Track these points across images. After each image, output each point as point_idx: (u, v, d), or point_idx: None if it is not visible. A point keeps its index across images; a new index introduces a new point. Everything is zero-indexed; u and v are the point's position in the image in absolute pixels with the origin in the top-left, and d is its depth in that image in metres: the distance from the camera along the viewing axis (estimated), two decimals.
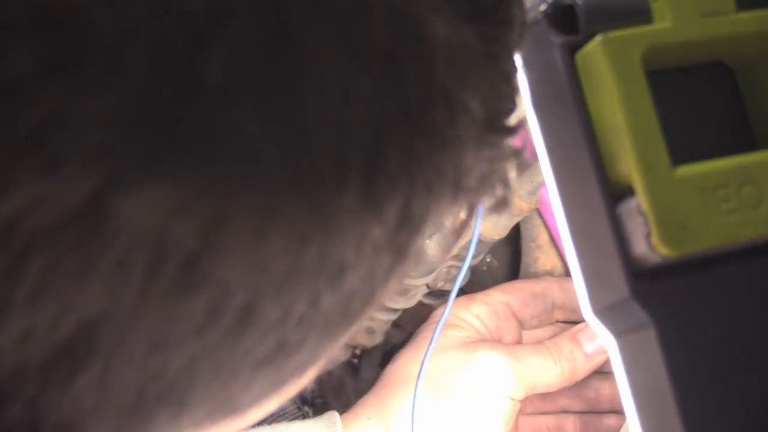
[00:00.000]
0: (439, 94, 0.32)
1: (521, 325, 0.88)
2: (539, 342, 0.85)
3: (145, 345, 0.29)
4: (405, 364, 0.84)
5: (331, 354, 0.35)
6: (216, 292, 0.29)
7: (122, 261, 0.27)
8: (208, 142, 0.27)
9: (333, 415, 0.82)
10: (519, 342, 0.87)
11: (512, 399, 0.81)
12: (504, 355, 0.82)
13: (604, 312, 0.47)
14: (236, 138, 0.28)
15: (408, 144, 0.31)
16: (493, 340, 0.85)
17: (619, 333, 0.47)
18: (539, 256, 0.94)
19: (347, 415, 0.84)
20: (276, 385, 0.34)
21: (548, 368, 0.82)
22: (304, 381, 0.36)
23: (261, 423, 0.82)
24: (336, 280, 0.31)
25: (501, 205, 0.38)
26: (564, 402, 0.86)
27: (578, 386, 0.84)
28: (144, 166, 0.27)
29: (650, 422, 0.47)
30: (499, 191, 0.37)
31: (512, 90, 0.36)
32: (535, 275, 0.94)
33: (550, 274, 0.93)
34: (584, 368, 0.82)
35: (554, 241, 0.93)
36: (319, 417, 0.82)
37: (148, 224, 0.27)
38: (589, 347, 0.82)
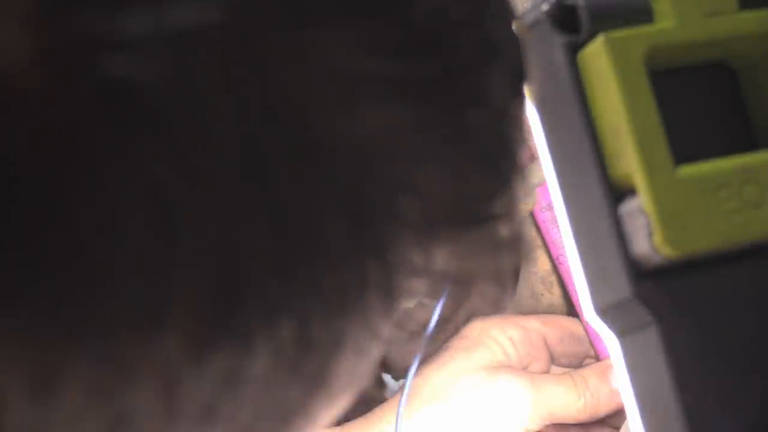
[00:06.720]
0: (330, 201, 0.28)
1: (552, 359, 0.86)
2: (565, 372, 0.83)
3: None
4: (426, 379, 0.83)
5: None
6: None
7: None
8: None
9: None
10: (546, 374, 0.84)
11: (528, 429, 0.80)
12: (525, 383, 0.80)
13: (607, 312, 0.47)
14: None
15: (277, 271, 0.28)
16: (519, 366, 0.83)
17: (621, 333, 0.47)
18: (539, 255, 0.94)
19: (364, 421, 0.83)
20: None
21: (570, 400, 0.79)
22: None
23: None
24: (204, 422, 0.29)
25: (494, 306, 0.35)
26: None
27: (599, 423, 0.82)
28: None
29: (652, 422, 0.47)
30: (489, 290, 0.34)
31: (491, 171, 0.32)
32: (535, 275, 0.94)
33: (549, 274, 0.93)
34: (608, 405, 0.79)
35: (546, 245, 0.93)
36: None
37: None
38: (616, 384, 0.78)
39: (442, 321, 0.81)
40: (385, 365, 0.97)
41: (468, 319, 0.83)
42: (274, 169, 0.28)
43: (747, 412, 0.47)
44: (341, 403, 0.33)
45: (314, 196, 0.28)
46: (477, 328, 0.84)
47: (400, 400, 0.77)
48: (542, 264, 0.94)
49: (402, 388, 0.85)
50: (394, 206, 0.30)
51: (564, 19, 0.47)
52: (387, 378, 1.16)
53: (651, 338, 0.46)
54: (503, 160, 0.33)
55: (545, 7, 0.47)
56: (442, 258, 0.32)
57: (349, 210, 0.29)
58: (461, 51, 0.31)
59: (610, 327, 0.47)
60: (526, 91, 0.36)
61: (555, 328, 0.86)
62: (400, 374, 1.00)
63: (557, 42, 0.47)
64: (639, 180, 0.45)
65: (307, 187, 0.28)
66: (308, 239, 0.28)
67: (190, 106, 0.26)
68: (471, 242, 0.32)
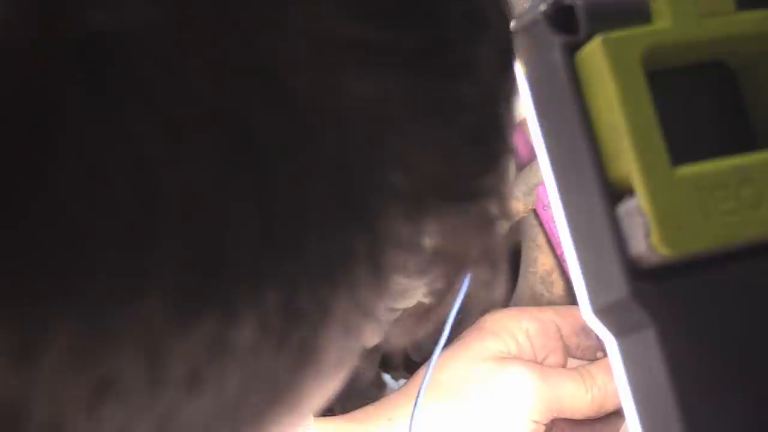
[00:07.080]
0: (322, 171, 0.28)
1: (568, 352, 0.86)
2: (574, 367, 0.83)
3: None
4: (436, 369, 0.83)
5: None
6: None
7: None
8: None
9: None
10: (563, 367, 0.84)
11: (536, 422, 0.80)
12: (535, 376, 0.80)
13: (604, 312, 0.47)
14: None
15: (265, 238, 0.28)
16: (534, 358, 0.83)
17: (618, 333, 0.47)
18: (539, 255, 0.94)
19: (370, 409, 0.83)
20: None
21: (578, 395, 0.80)
22: None
23: None
24: (192, 391, 0.29)
25: (486, 289, 0.35)
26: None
27: (605, 420, 0.83)
28: None
29: (649, 422, 0.47)
30: (480, 271, 0.34)
31: (480, 147, 0.32)
32: (535, 275, 0.94)
33: (549, 274, 0.93)
34: (615, 401, 0.79)
35: (551, 243, 0.93)
36: None
37: None
38: None
39: (435, 305, 0.81)
40: (383, 364, 0.97)
41: (481, 311, 0.82)
42: (259, 135, 0.27)
43: (744, 412, 0.47)
44: (332, 382, 0.33)
45: (299, 163, 0.28)
46: (491, 319, 0.84)
47: (419, 390, 0.77)
48: (542, 264, 0.94)
49: (413, 377, 0.85)
50: (382, 178, 0.29)
51: (561, 20, 0.47)
52: (387, 378, 1.16)
53: (648, 338, 0.46)
54: (492, 137, 0.33)
55: (543, 7, 0.47)
56: (431, 235, 0.31)
57: (336, 179, 0.29)
58: (451, 22, 0.31)
59: (607, 327, 0.47)
60: (517, 70, 0.35)
61: (569, 320, 0.86)
62: (400, 373, 1.00)
63: (555, 42, 0.47)
64: (636, 180, 0.45)
65: (293, 153, 0.28)
66: (293, 207, 0.28)
67: (172, 67, 0.26)
68: (460, 219, 0.32)
